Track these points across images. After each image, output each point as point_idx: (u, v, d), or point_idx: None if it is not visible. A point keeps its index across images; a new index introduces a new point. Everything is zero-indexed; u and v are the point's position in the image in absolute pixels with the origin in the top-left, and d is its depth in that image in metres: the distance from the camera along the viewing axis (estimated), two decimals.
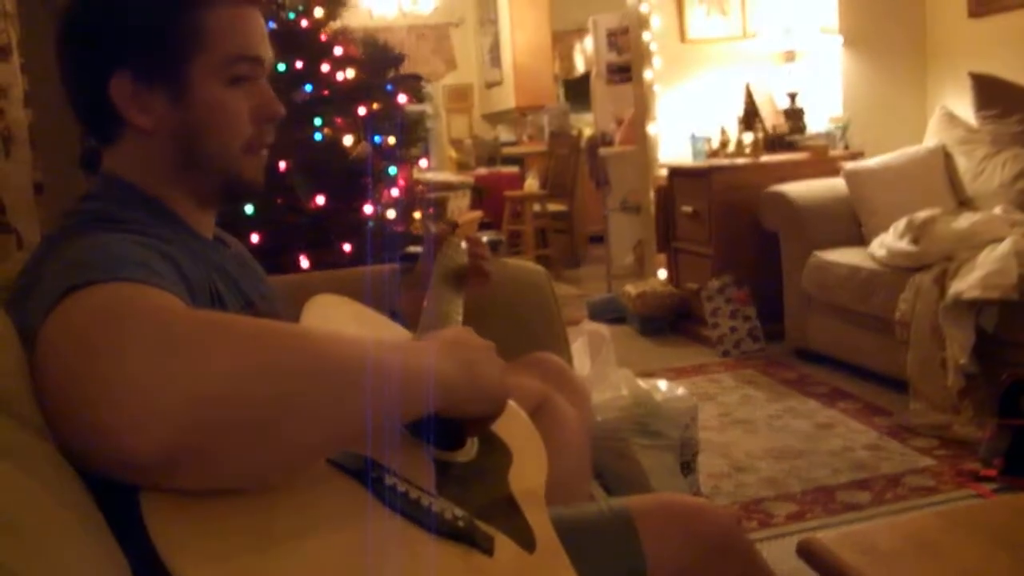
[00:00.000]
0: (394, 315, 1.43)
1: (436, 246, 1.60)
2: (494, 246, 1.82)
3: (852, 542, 1.19)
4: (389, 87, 3.07)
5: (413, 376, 0.90)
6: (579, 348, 2.40)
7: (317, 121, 2.70)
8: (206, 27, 1.06)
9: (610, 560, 1.17)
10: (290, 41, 2.68)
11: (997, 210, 3.44)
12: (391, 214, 2.77)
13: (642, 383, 2.35)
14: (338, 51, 2.87)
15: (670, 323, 4.66)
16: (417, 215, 2.97)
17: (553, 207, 7.42)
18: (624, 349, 4.36)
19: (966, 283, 2.98)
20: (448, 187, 6.29)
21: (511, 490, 1.08)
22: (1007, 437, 2.57)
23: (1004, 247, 3.02)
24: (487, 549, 0.96)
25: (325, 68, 2.80)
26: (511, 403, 1.19)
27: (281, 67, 2.60)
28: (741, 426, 3.25)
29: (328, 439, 0.84)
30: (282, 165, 2.52)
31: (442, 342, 1.00)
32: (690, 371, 3.98)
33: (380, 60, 3.13)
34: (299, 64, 2.71)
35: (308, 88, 2.72)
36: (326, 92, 2.80)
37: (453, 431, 1.04)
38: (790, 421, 3.27)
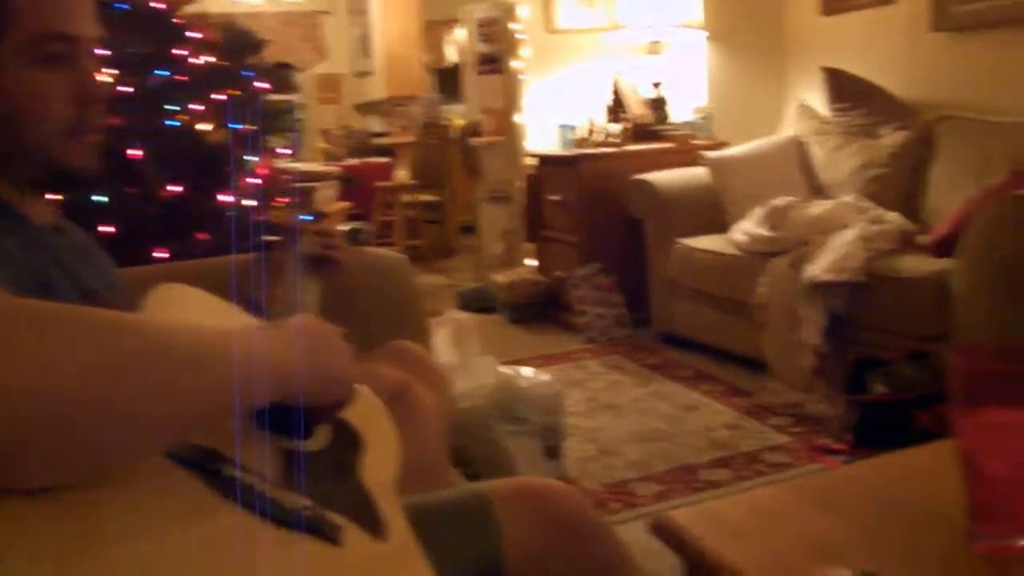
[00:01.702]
0: (256, 305, 1.40)
1: (292, 236, 1.57)
2: (353, 235, 1.80)
3: (702, 517, 1.22)
4: (249, 73, 2.99)
5: (253, 364, 0.87)
6: (444, 337, 2.39)
7: (172, 107, 2.60)
8: (13, 4, 1.00)
9: (465, 545, 1.17)
10: (141, 23, 2.58)
11: (847, 197, 3.58)
12: (251, 203, 2.70)
13: (506, 370, 2.36)
14: (194, 35, 2.78)
15: (539, 311, 4.69)
16: (279, 205, 2.91)
17: (424, 197, 7.39)
18: (494, 338, 4.39)
19: (818, 267, 3.11)
20: (315, 177, 6.18)
21: (362, 479, 1.07)
22: (856, 413, 2.69)
23: (852, 232, 3.16)
24: (335, 539, 0.94)
25: (180, 52, 2.70)
26: (365, 391, 1.18)
27: (130, 50, 2.50)
28: (608, 411, 3.31)
29: (160, 433, 0.81)
30: (134, 153, 2.42)
31: (286, 329, 0.98)
32: (559, 358, 4.02)
33: (239, 45, 3.05)
34: (152, 48, 2.61)
35: (161, 73, 2.62)
36: (182, 77, 2.71)
37: (300, 420, 1.02)
38: (655, 404, 3.35)
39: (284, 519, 0.90)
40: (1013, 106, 3.44)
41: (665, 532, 1.18)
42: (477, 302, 4.99)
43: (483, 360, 2.37)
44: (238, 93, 2.88)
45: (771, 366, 3.31)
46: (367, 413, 1.15)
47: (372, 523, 1.01)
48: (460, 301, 5.06)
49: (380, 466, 1.11)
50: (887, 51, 4.22)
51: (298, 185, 4.74)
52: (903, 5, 4.18)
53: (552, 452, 2.41)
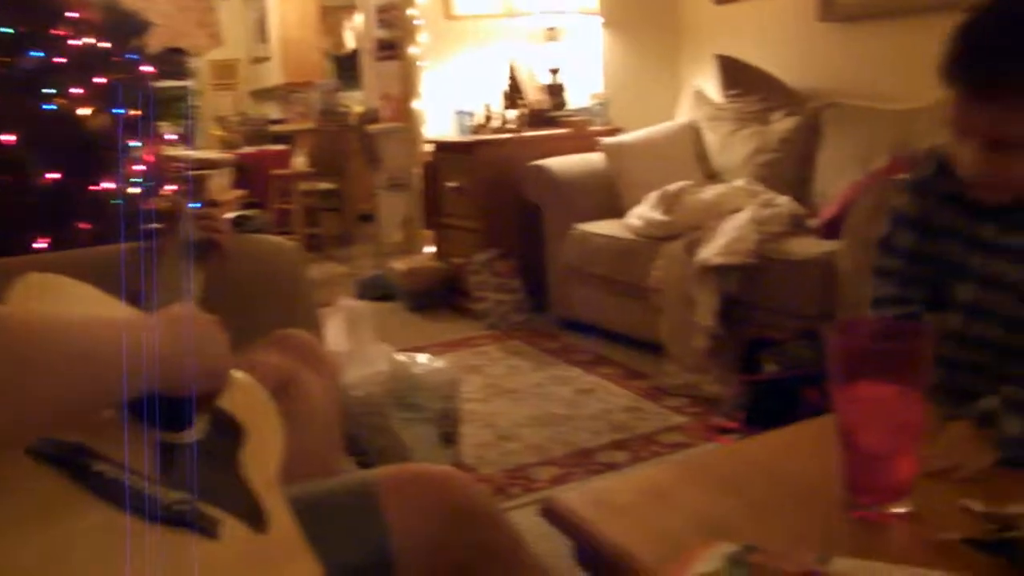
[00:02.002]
0: (138, 294, 1.35)
1: (174, 224, 1.53)
2: (241, 223, 1.76)
3: (590, 499, 1.23)
4: (134, 56, 2.89)
5: (125, 352, 0.84)
6: (337, 325, 2.36)
7: (49, 91, 2.50)
8: None
9: (352, 534, 1.15)
10: (14, 1, 2.47)
11: (739, 182, 3.65)
12: (136, 191, 2.61)
13: (401, 357, 2.34)
14: (73, 15, 2.67)
15: (439, 298, 4.67)
16: (166, 193, 2.82)
17: (322, 185, 7.28)
18: (393, 325, 4.36)
19: (711, 250, 3.17)
20: (208, 165, 6.04)
21: (244, 470, 1.04)
22: (748, 392, 2.74)
23: (743, 216, 3.23)
24: (212, 533, 0.92)
25: (58, 32, 2.59)
26: (247, 379, 1.15)
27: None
28: (507, 396, 3.31)
29: (24, 426, 0.77)
30: (6, 138, 2.31)
31: (160, 317, 0.95)
32: (458, 344, 4.01)
33: (123, 27, 2.94)
34: (26, 27, 2.50)
35: (37, 54, 2.50)
36: (59, 59, 2.60)
37: (176, 410, 0.98)
38: (554, 389, 3.36)
39: (156, 514, 0.87)
40: (895, 94, 3.55)
41: (553, 515, 1.18)
42: (376, 290, 4.95)
43: (377, 348, 2.34)
44: (122, 77, 2.78)
45: (667, 348, 3.36)
46: (250, 403, 1.13)
47: (253, 515, 0.99)
48: (359, 289, 5.01)
49: (262, 457, 1.08)
50: (778, 40, 4.32)
51: (189, 173, 4.62)
52: None
53: (449, 439, 2.40)
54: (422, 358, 2.46)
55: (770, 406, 2.67)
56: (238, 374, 1.10)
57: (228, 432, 1.07)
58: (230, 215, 1.68)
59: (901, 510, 1.07)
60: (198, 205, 1.62)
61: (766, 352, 2.73)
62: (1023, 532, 0.98)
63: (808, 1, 4.13)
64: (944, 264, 1.36)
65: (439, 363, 2.43)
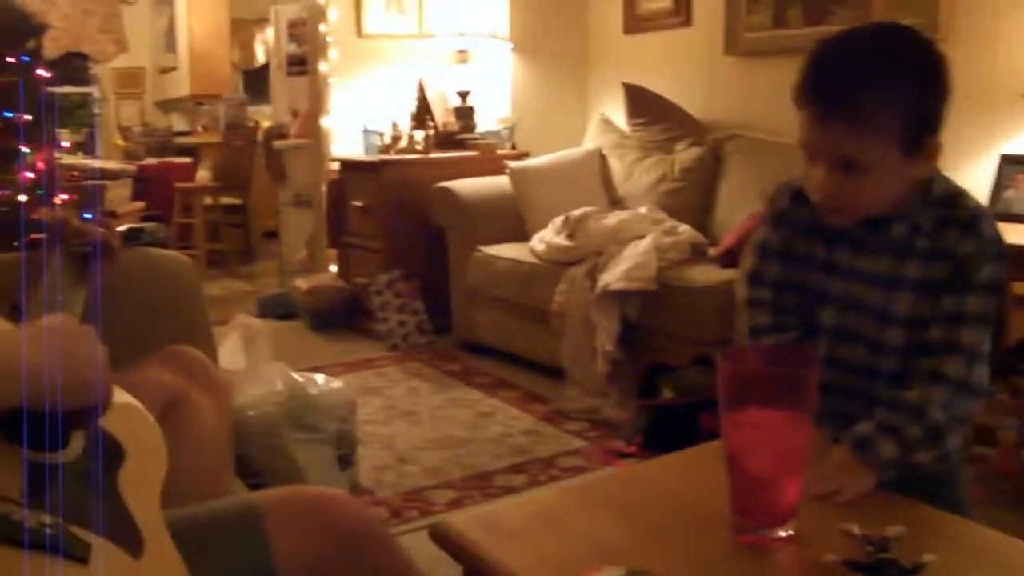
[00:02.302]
0: (16, 309, 1.29)
1: (57, 234, 1.47)
2: (135, 236, 1.71)
3: (480, 523, 1.22)
4: (28, 59, 2.79)
5: None
6: (233, 343, 2.30)
7: None
8: None
9: (234, 558, 1.12)
10: None
11: (642, 209, 3.71)
12: (24, 199, 2.52)
13: (298, 377, 2.29)
14: None
15: (341, 318, 4.62)
16: (57, 202, 2.73)
17: (227, 200, 7.16)
18: (294, 345, 4.29)
19: (613, 275, 3.20)
20: (109, 175, 5.87)
21: (121, 491, 1.01)
22: (646, 417, 2.78)
23: (645, 243, 3.27)
24: (81, 557, 0.88)
25: None
26: (128, 398, 1.11)
27: None
28: (406, 418, 3.28)
29: None
30: None
31: (33, 330, 0.91)
32: (359, 365, 3.96)
33: (17, 28, 2.85)
34: None
35: None
36: None
37: (50, 428, 0.94)
38: (454, 411, 3.35)
39: (23, 539, 0.83)
40: (795, 128, 3.65)
41: (443, 539, 1.16)
42: (278, 308, 4.87)
43: (274, 367, 2.30)
44: (14, 80, 2.69)
45: (568, 372, 3.38)
46: (130, 421, 1.09)
47: (128, 538, 0.95)
48: (261, 307, 4.92)
49: (142, 478, 1.04)
50: (685, 71, 4.41)
51: (86, 182, 4.48)
52: (700, 28, 4.37)
53: (345, 460, 2.37)
54: (320, 378, 2.42)
55: (667, 431, 2.70)
56: (120, 392, 1.06)
57: (105, 451, 1.03)
58: (123, 227, 1.62)
59: (785, 533, 1.09)
60: (90, 216, 1.56)
61: (664, 377, 2.77)
62: (897, 554, 1.01)
63: (715, 34, 4.24)
64: (808, 291, 1.39)
65: (337, 383, 2.40)
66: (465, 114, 4.83)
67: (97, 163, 6.23)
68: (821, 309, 1.38)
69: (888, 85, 1.19)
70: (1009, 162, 3.06)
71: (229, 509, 1.20)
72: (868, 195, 1.25)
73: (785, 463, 1.11)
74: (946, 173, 3.21)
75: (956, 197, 1.29)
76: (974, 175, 3.22)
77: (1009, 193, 3.01)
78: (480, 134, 4.76)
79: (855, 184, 1.23)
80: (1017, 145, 3.18)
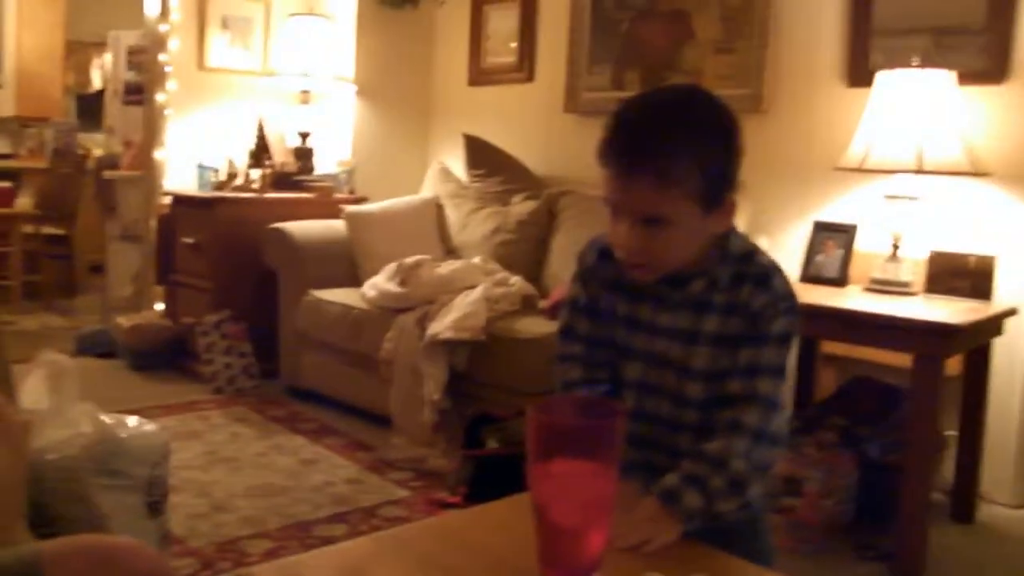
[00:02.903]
0: None
1: None
2: None
3: (281, 574, 1.18)
4: None
5: None
6: (36, 382, 2.16)
7: None
8: None
9: None
10: None
11: (476, 259, 3.74)
12: None
13: (107, 419, 2.17)
14: None
15: (165, 358, 4.44)
16: None
17: (49, 230, 6.80)
18: (111, 385, 4.10)
19: (442, 324, 3.20)
20: None
21: None
22: (471, 466, 2.77)
23: (476, 293, 3.29)
24: None
25: None
26: None
27: None
28: (226, 464, 3.17)
29: None
30: None
31: None
32: (180, 408, 3.80)
33: None
34: None
35: None
36: None
37: None
38: (276, 458, 3.25)
39: None
40: None
41: None
42: (97, 346, 4.64)
43: (80, 407, 2.16)
44: None
45: (395, 421, 3.34)
46: None
47: None
48: (78, 344, 4.68)
49: None
50: (525, 125, 4.51)
51: None
52: (542, 85, 4.49)
53: (155, 508, 2.24)
54: (132, 420, 2.29)
55: (492, 481, 2.70)
56: None
57: None
58: None
59: None
60: None
61: (489, 428, 2.77)
62: None
63: (556, 92, 4.35)
64: (615, 346, 1.43)
65: (150, 426, 2.28)
66: (304, 155, 4.78)
67: None
68: (627, 363, 1.41)
69: (689, 143, 1.24)
70: (821, 229, 3.25)
71: (10, 560, 1.11)
72: (671, 250, 1.28)
73: (591, 513, 1.12)
74: (765, 238, 3.39)
75: (751, 254, 1.34)
76: (791, 241, 3.40)
77: (820, 257, 3.18)
78: (318, 176, 4.71)
79: (659, 239, 1.26)
80: (828, 213, 3.38)
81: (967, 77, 3.03)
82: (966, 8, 3.12)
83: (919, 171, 2.86)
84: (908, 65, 2.96)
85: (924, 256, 3.03)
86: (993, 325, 2.86)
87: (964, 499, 2.96)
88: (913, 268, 2.99)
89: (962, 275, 2.94)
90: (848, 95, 3.37)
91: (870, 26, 3.35)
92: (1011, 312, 2.93)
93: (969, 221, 3.12)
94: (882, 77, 3.01)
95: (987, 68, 3.08)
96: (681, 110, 1.27)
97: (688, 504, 1.25)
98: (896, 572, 2.57)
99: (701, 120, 1.27)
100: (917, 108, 2.89)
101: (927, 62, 3.00)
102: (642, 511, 1.26)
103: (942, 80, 2.91)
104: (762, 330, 1.29)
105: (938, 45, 3.18)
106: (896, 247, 3.00)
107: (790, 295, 1.32)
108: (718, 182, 1.26)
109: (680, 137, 1.24)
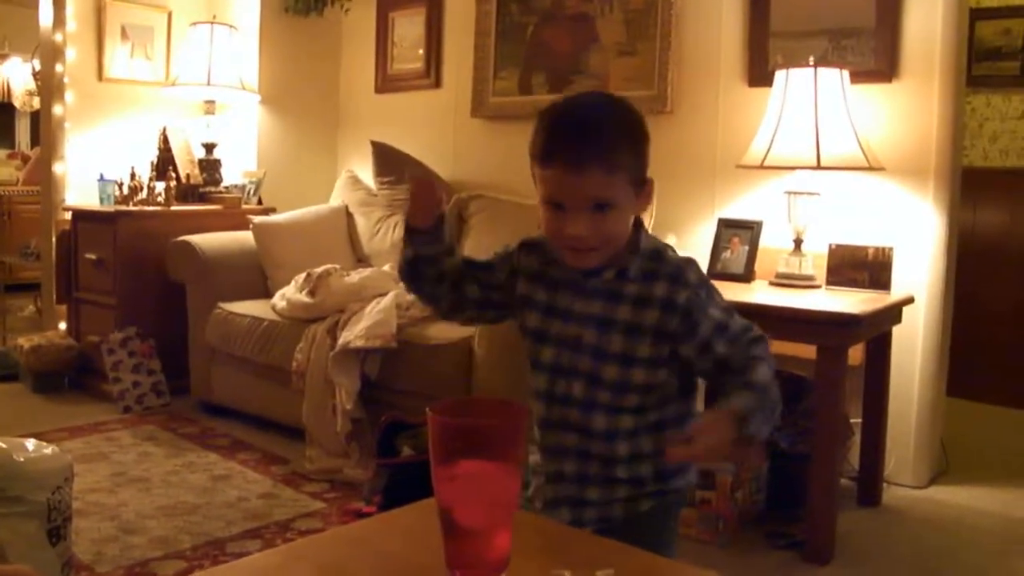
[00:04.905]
0: None
1: None
2: None
3: None
4: None
5: None
6: None
7: None
8: None
9: None
10: None
11: (386, 267, 3.72)
12: None
13: (2, 443, 2.10)
14: None
15: (69, 379, 4.31)
16: None
17: None
18: (10, 408, 3.98)
19: (353, 333, 3.17)
20: None
21: None
22: (385, 475, 2.74)
23: (387, 300, 3.27)
24: None
25: None
26: None
27: None
28: (135, 485, 3.08)
29: None
30: None
31: None
32: (86, 430, 3.69)
33: None
34: None
35: None
36: None
37: None
38: (187, 476, 3.17)
39: None
40: (529, 190, 3.79)
41: None
42: None
43: None
44: None
45: (309, 432, 3.30)
46: None
47: None
48: None
49: None
50: (433, 131, 4.50)
51: None
52: (449, 91, 4.49)
53: (56, 534, 2.17)
54: (30, 444, 2.22)
55: (407, 489, 2.67)
56: None
57: None
58: None
59: None
60: None
61: (403, 435, 2.75)
62: None
63: (463, 97, 4.36)
64: (491, 303, 1.58)
65: (49, 449, 2.20)
66: (210, 166, 4.69)
67: None
68: (541, 347, 1.49)
69: (624, 133, 1.39)
70: (726, 226, 3.31)
71: None
72: (617, 231, 1.40)
73: (497, 514, 1.12)
74: (672, 236, 3.42)
75: (660, 252, 1.46)
76: (698, 238, 3.46)
77: (726, 254, 3.24)
78: (225, 188, 4.63)
79: (607, 222, 1.38)
80: (733, 210, 3.45)
81: (860, 76, 3.13)
82: (858, 11, 3.22)
83: (817, 167, 2.94)
84: (805, 65, 3.03)
85: (825, 250, 3.10)
86: (892, 314, 2.95)
87: (870, 483, 3.05)
88: (815, 262, 3.07)
89: (861, 267, 3.02)
90: (749, 94, 3.45)
91: (769, 28, 3.43)
92: (908, 301, 3.03)
93: (866, 214, 3.21)
94: (780, 76, 3.08)
95: (878, 68, 3.18)
96: (610, 107, 1.42)
97: (755, 430, 1.29)
98: (808, 558, 2.63)
99: (626, 115, 1.42)
100: (813, 106, 2.96)
101: (822, 62, 3.08)
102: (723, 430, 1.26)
103: (835, 79, 3.00)
104: (700, 311, 1.40)
105: (836, 47, 3.27)
106: (798, 242, 3.07)
107: (705, 281, 1.45)
108: (643, 166, 1.42)
109: (618, 129, 1.39)
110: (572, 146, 1.36)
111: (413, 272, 1.59)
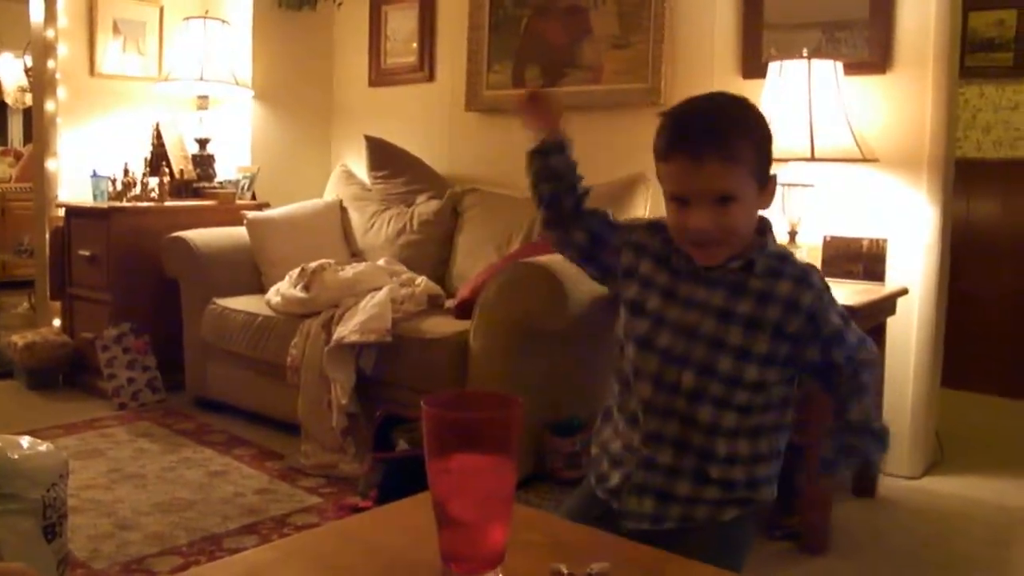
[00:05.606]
0: None
1: None
2: None
3: None
4: None
5: None
6: None
7: None
8: None
9: None
10: None
11: (381, 261, 3.71)
12: None
13: None
14: None
15: (64, 376, 4.30)
16: None
17: None
18: (5, 406, 3.97)
19: (347, 328, 3.17)
20: None
21: None
22: (381, 469, 2.74)
23: (381, 295, 3.27)
24: None
25: None
26: None
27: None
28: (131, 481, 3.08)
29: None
30: None
31: None
32: (81, 426, 3.68)
33: None
34: None
35: None
36: None
37: None
38: (183, 472, 3.17)
39: None
40: (523, 183, 3.79)
41: None
42: None
43: None
44: None
45: (304, 428, 3.30)
46: None
47: None
48: None
49: None
50: (427, 125, 4.49)
51: None
52: (443, 84, 4.48)
53: (52, 531, 2.17)
54: (25, 441, 2.21)
55: (403, 483, 2.67)
56: None
57: None
58: None
59: None
60: None
61: (399, 429, 2.75)
62: None
63: (457, 91, 4.35)
64: (600, 255, 1.63)
65: (44, 447, 2.20)
66: (204, 162, 4.68)
67: None
68: (656, 331, 1.50)
69: (745, 129, 1.45)
70: None
71: None
72: (740, 224, 1.44)
73: (492, 507, 1.12)
74: None
75: (788, 255, 1.51)
76: None
77: None
78: (219, 183, 4.62)
79: (729, 215, 1.41)
80: None
81: (854, 68, 3.13)
82: (851, 2, 3.22)
83: (811, 159, 2.94)
84: (799, 57, 3.03)
85: (819, 241, 3.10)
86: (887, 305, 2.96)
87: (865, 475, 3.05)
88: (810, 253, 3.07)
89: (856, 258, 3.03)
90: (743, 87, 3.44)
91: (762, 20, 3.43)
92: (903, 292, 3.03)
93: (860, 206, 3.21)
94: (773, 68, 3.08)
95: (872, 59, 3.18)
96: (729, 104, 1.48)
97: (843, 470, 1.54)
98: (804, 549, 2.63)
99: (745, 111, 1.48)
100: (807, 98, 2.96)
101: (816, 54, 3.08)
102: None
103: (829, 70, 3.00)
104: (822, 314, 1.45)
105: (829, 38, 3.27)
106: (793, 234, 3.07)
107: (827, 287, 1.50)
108: (766, 161, 1.47)
109: (738, 124, 1.44)
110: (691, 138, 1.41)
111: (545, 174, 1.73)
